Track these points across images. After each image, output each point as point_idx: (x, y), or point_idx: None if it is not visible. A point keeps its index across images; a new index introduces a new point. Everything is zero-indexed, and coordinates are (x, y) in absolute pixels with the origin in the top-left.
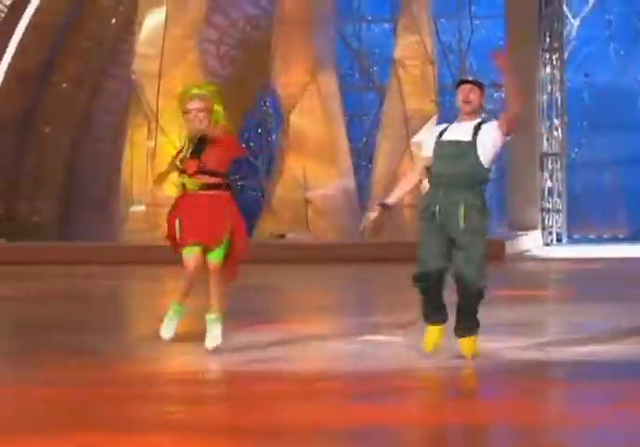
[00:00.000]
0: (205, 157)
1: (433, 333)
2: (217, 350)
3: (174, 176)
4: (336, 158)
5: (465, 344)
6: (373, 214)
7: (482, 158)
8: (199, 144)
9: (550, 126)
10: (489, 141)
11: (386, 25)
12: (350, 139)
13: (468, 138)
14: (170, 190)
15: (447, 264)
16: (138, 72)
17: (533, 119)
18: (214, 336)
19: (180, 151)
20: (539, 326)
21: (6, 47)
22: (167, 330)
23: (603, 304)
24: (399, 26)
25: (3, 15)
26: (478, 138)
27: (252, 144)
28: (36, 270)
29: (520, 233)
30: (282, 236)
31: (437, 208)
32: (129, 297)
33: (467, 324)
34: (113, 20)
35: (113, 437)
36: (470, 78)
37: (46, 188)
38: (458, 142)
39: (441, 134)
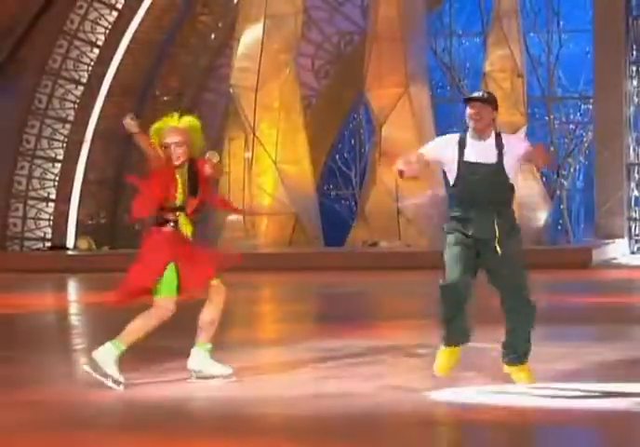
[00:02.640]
0: (202, 196)
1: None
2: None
3: None
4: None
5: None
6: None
7: (510, 177)
8: (192, 179)
9: (636, 136)
10: (514, 159)
11: (476, 39)
12: None
13: (493, 159)
14: (264, 198)
15: (474, 277)
16: (235, 85)
17: (620, 130)
18: (204, 364)
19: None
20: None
21: (110, 61)
22: None
23: None
24: (489, 40)
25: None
26: (505, 159)
27: (346, 155)
28: None
29: (607, 241)
30: (374, 244)
31: (470, 230)
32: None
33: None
34: (213, 36)
35: None
36: (481, 95)
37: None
38: (485, 165)
39: (462, 151)
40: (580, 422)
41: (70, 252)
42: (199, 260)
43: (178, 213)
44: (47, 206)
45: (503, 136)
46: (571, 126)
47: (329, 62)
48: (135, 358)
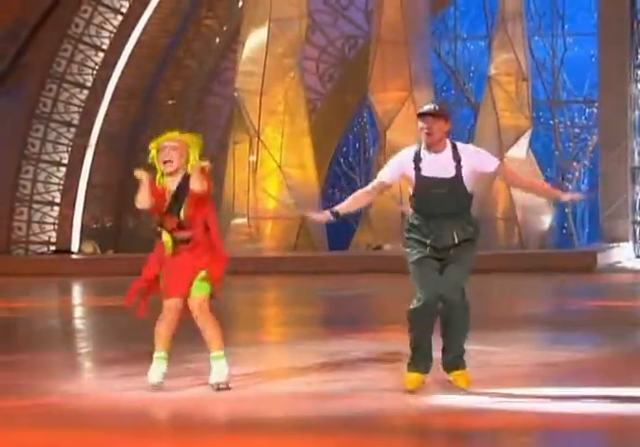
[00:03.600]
0: (185, 213)
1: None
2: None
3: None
4: None
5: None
6: (319, 216)
7: (468, 188)
8: (178, 196)
9: None
10: (475, 172)
11: (481, 43)
12: None
13: (451, 173)
14: (269, 202)
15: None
16: (240, 89)
17: (624, 134)
18: (216, 372)
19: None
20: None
21: (115, 65)
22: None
23: None
24: (494, 44)
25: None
26: (463, 171)
27: (350, 159)
28: None
29: (611, 245)
30: (378, 247)
31: (429, 240)
32: (232, 307)
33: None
34: (217, 40)
35: None
36: (432, 108)
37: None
38: (442, 179)
39: (417, 166)
40: (583, 426)
41: (74, 256)
42: (179, 271)
43: (160, 229)
44: (52, 210)
45: (460, 147)
46: (576, 129)
47: (334, 66)
48: (139, 362)
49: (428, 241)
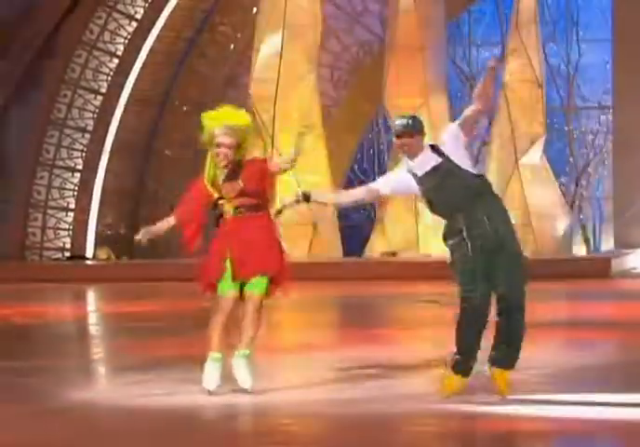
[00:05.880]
0: (243, 178)
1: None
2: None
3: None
4: None
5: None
6: (289, 200)
7: (463, 166)
8: (233, 170)
9: None
10: (454, 147)
11: (495, 49)
12: None
13: (438, 159)
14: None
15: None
16: (254, 95)
17: (638, 141)
18: (243, 375)
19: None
20: None
21: (129, 71)
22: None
23: None
24: (508, 50)
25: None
26: (445, 149)
27: (365, 165)
28: (155, 287)
29: (626, 251)
30: (393, 254)
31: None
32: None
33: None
34: (232, 46)
35: None
36: (405, 125)
37: (166, 208)
38: (433, 169)
39: (413, 172)
40: (598, 432)
41: (89, 262)
42: (253, 247)
43: (221, 202)
44: (67, 216)
45: (436, 144)
46: (590, 136)
47: (348, 72)
48: (153, 367)
49: (467, 238)
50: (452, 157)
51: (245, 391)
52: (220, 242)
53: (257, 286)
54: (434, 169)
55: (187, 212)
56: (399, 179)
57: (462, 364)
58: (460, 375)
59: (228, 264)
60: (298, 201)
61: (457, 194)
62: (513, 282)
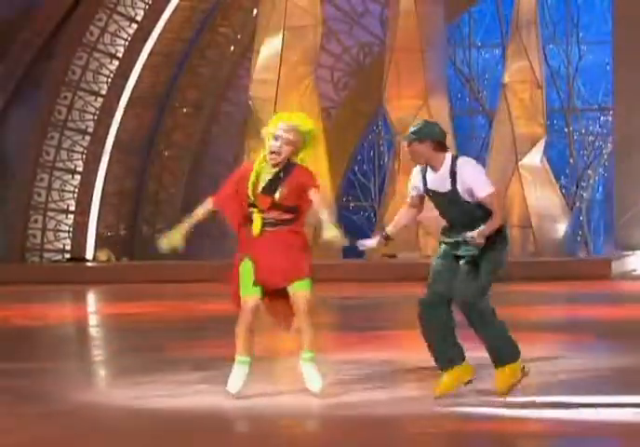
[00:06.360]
0: (282, 191)
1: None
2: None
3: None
4: None
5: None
6: (372, 242)
7: (468, 199)
8: (275, 179)
9: None
10: (467, 190)
11: (496, 51)
12: None
13: (448, 187)
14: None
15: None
16: (255, 97)
17: (638, 142)
18: (311, 378)
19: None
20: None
21: (129, 73)
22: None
23: None
24: (508, 52)
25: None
26: (458, 186)
27: (365, 167)
28: (155, 288)
29: (626, 253)
30: (393, 256)
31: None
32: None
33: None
34: (232, 48)
35: None
36: (411, 133)
37: (166, 209)
38: (440, 193)
39: (425, 179)
40: (599, 434)
41: (89, 264)
42: (278, 254)
43: (251, 209)
44: (67, 217)
45: (459, 163)
46: (590, 137)
47: (348, 74)
48: (153, 369)
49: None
50: (459, 189)
51: (315, 395)
52: (244, 252)
53: (301, 286)
54: (441, 194)
55: (227, 200)
56: (412, 184)
57: (437, 362)
58: (442, 371)
59: (250, 266)
60: (381, 242)
61: (459, 217)
62: (461, 289)
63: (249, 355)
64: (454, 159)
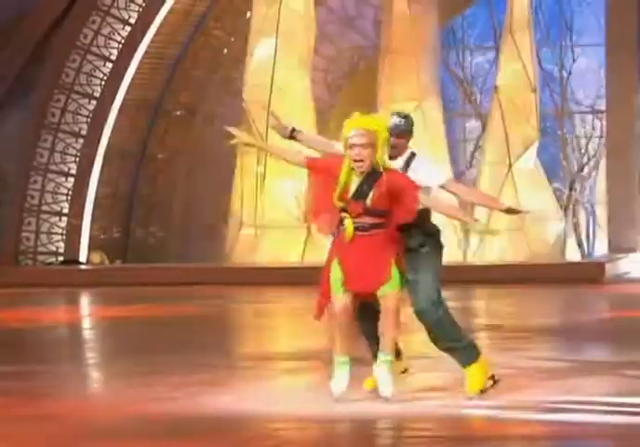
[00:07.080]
0: (374, 194)
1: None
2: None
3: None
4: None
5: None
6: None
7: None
8: (363, 184)
9: None
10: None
11: (489, 54)
12: (453, 164)
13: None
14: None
15: None
16: (248, 100)
17: (631, 145)
18: (384, 382)
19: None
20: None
21: (123, 76)
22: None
23: None
24: (502, 54)
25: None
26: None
27: None
28: (148, 291)
29: (620, 255)
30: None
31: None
32: (241, 319)
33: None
34: (225, 51)
35: None
36: (397, 124)
37: (160, 212)
38: None
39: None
40: (594, 437)
41: (82, 267)
42: (368, 260)
43: (343, 214)
44: (60, 220)
45: (417, 158)
46: (584, 140)
47: (342, 77)
48: (147, 371)
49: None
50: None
51: (384, 399)
52: (335, 255)
53: (389, 287)
54: None
55: (321, 168)
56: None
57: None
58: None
59: (339, 270)
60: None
61: None
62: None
63: (348, 354)
64: (413, 154)
